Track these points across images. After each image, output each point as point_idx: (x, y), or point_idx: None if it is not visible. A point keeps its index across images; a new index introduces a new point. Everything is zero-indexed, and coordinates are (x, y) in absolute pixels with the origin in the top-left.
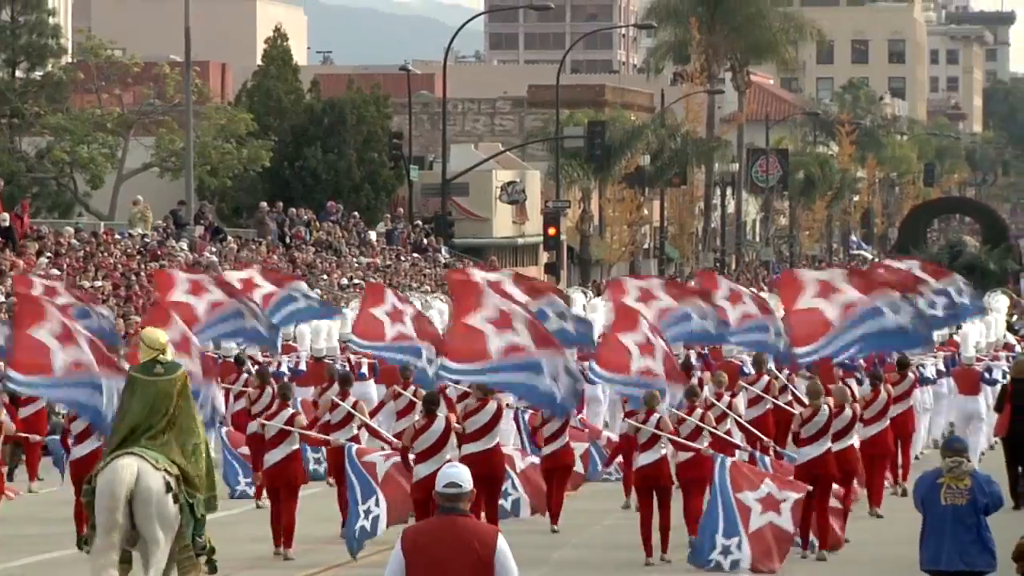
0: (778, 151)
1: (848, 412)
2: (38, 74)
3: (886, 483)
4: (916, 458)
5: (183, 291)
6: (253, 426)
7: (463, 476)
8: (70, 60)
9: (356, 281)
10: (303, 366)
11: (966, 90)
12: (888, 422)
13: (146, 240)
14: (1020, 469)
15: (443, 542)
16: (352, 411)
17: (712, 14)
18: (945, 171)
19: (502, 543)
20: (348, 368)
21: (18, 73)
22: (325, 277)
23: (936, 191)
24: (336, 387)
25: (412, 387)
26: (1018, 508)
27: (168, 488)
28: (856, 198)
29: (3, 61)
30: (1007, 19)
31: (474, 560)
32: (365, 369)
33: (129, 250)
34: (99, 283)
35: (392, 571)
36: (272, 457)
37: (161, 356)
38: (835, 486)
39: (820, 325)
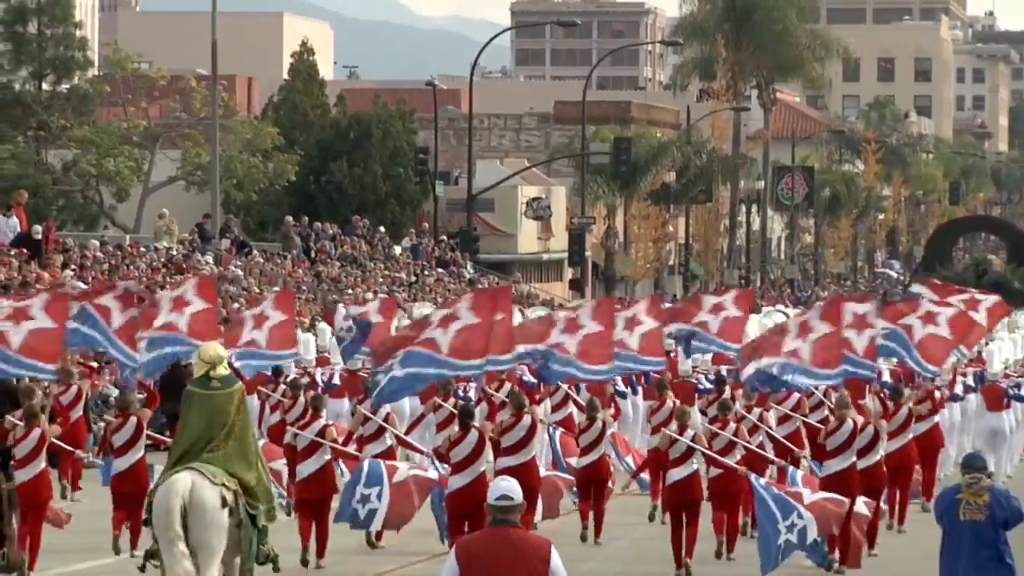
0: (804, 168)
1: (871, 428)
2: (64, 87)
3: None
4: (943, 477)
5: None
6: (288, 436)
7: (515, 489)
8: (97, 73)
9: (381, 295)
10: (336, 379)
11: (992, 109)
12: (910, 437)
13: (171, 253)
14: None
15: (498, 554)
16: (384, 424)
17: (738, 31)
18: (971, 190)
19: (555, 555)
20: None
21: (44, 86)
22: (350, 291)
23: (961, 210)
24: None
25: (452, 400)
26: None
27: (224, 503)
28: (881, 216)
29: (30, 74)
30: None
31: (530, 571)
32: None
33: (154, 263)
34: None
35: None
36: (304, 469)
37: (214, 371)
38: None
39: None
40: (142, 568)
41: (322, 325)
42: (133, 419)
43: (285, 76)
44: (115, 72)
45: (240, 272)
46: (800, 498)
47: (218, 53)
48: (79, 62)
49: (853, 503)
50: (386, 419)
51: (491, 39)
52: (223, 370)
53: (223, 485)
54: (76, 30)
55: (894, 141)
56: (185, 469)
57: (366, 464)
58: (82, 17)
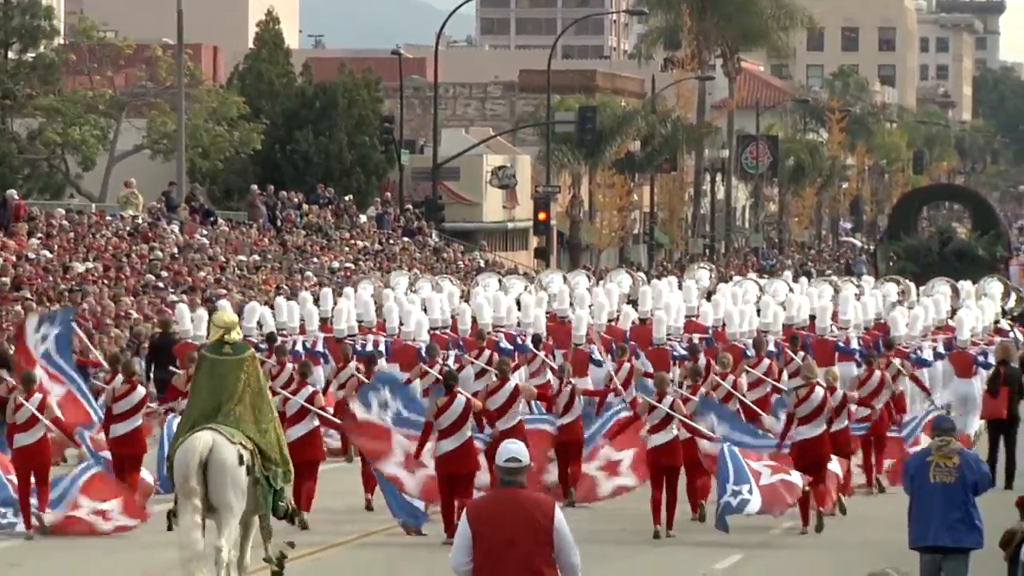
0: (768, 138)
1: (840, 394)
2: (30, 55)
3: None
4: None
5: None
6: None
7: (522, 451)
8: (62, 42)
9: (347, 264)
10: (320, 346)
11: (956, 78)
12: (883, 402)
13: (137, 222)
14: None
15: (506, 513)
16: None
17: (703, 1)
18: (934, 159)
19: (559, 513)
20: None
21: (10, 54)
22: (316, 260)
23: (925, 179)
24: (351, 366)
25: (437, 366)
26: (1008, 487)
27: (241, 460)
28: (845, 185)
29: None
30: (997, 8)
31: (535, 528)
32: (383, 348)
33: (120, 231)
34: (90, 264)
35: (459, 542)
36: (293, 433)
37: (228, 336)
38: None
39: None
40: (169, 527)
41: (303, 294)
42: (140, 388)
43: (250, 45)
44: (81, 41)
45: (206, 241)
46: (759, 477)
47: (183, 22)
48: (44, 31)
49: (825, 467)
50: None
51: (456, 8)
52: (236, 335)
53: (240, 444)
54: None
55: (858, 110)
56: (204, 428)
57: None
58: None
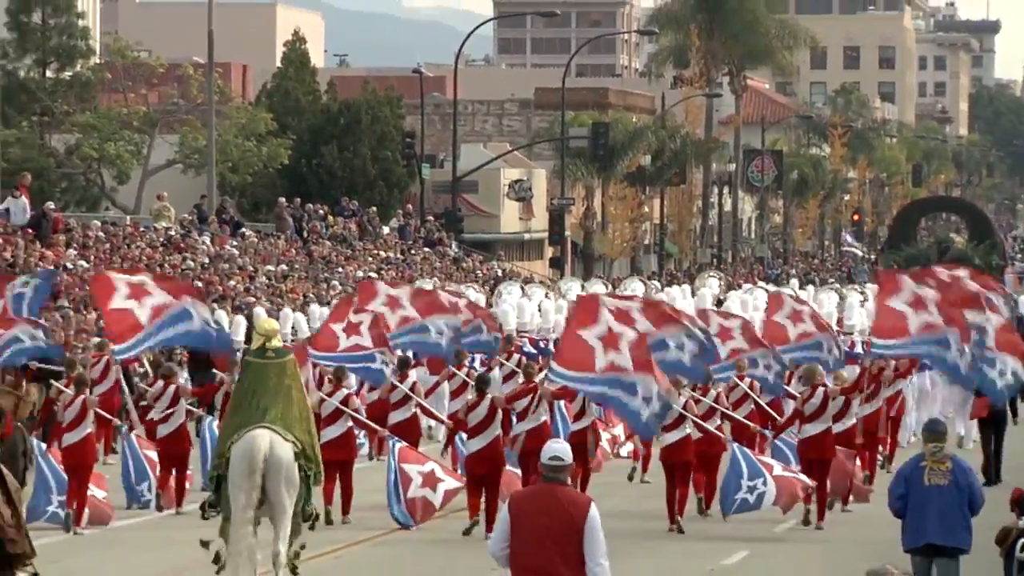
0: (773, 152)
1: (842, 396)
2: (67, 74)
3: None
4: (906, 444)
5: (123, 296)
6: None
7: (566, 451)
8: (98, 61)
9: (370, 273)
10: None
11: (953, 95)
12: (881, 403)
13: (170, 233)
14: (993, 447)
15: (543, 507)
16: (410, 393)
17: (711, 21)
18: (932, 172)
19: (594, 510)
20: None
21: (48, 73)
22: (340, 270)
23: (924, 191)
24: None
25: (465, 369)
26: (988, 483)
27: (296, 457)
28: (847, 197)
29: (34, 61)
30: (992, 27)
31: (568, 523)
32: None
33: (153, 242)
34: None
35: (499, 529)
36: (328, 433)
37: (269, 343)
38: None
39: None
40: (203, 516)
41: (313, 307)
42: (172, 387)
43: (278, 64)
44: (116, 60)
45: (235, 251)
46: (771, 468)
47: (214, 42)
48: (81, 50)
49: (829, 464)
50: (412, 388)
51: (475, 29)
52: (277, 342)
53: (293, 442)
54: (78, 20)
55: (859, 126)
56: (259, 427)
57: (392, 475)
58: (84, 7)
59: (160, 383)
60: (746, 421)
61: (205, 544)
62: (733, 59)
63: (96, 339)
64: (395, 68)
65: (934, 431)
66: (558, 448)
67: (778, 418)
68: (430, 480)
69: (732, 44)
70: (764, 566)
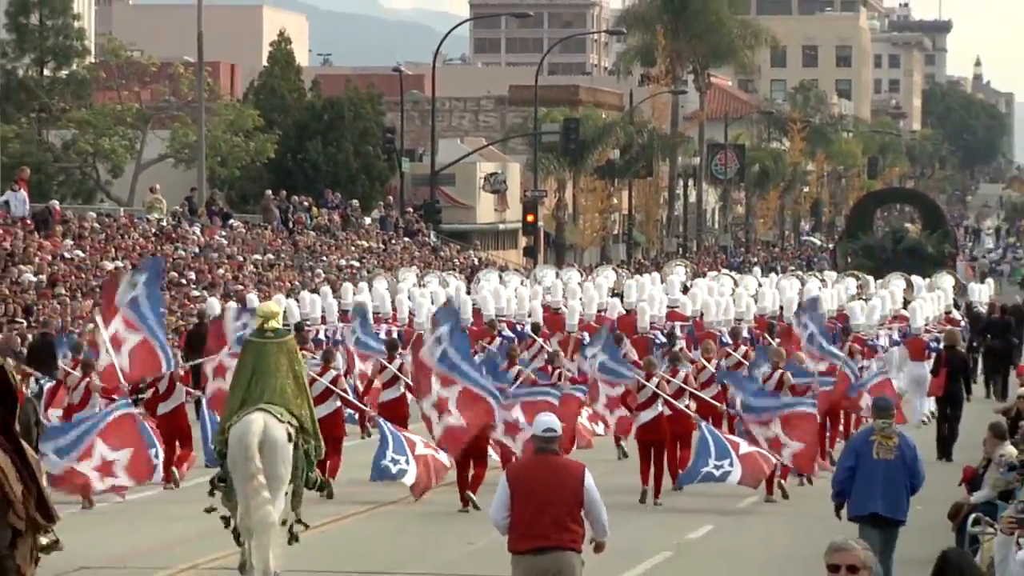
0: (735, 146)
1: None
2: (64, 73)
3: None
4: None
5: (105, 352)
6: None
7: (556, 423)
8: (93, 60)
9: (352, 262)
10: (339, 335)
11: (906, 91)
12: (840, 381)
13: (162, 224)
14: (947, 425)
15: (541, 475)
16: (398, 373)
17: (676, 22)
18: (887, 165)
19: (589, 476)
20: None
21: (46, 72)
22: (324, 259)
23: (879, 183)
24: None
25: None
26: (941, 459)
27: (290, 438)
28: (806, 189)
29: (32, 61)
30: (944, 27)
31: (566, 489)
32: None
33: (146, 233)
34: (119, 263)
35: (499, 499)
36: (317, 413)
37: (267, 324)
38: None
39: None
40: (211, 492)
41: (303, 293)
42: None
43: (264, 63)
44: (110, 59)
45: (224, 241)
46: (737, 448)
47: (203, 42)
48: (77, 50)
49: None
50: (400, 368)
51: (452, 29)
52: (276, 323)
53: (288, 423)
54: (74, 21)
55: (817, 121)
56: (256, 410)
57: (389, 438)
58: (80, 9)
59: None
60: (713, 401)
61: (210, 510)
62: (697, 58)
63: (90, 325)
64: (376, 67)
65: (883, 408)
66: (549, 420)
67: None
68: (429, 447)
69: (696, 43)
70: (729, 540)
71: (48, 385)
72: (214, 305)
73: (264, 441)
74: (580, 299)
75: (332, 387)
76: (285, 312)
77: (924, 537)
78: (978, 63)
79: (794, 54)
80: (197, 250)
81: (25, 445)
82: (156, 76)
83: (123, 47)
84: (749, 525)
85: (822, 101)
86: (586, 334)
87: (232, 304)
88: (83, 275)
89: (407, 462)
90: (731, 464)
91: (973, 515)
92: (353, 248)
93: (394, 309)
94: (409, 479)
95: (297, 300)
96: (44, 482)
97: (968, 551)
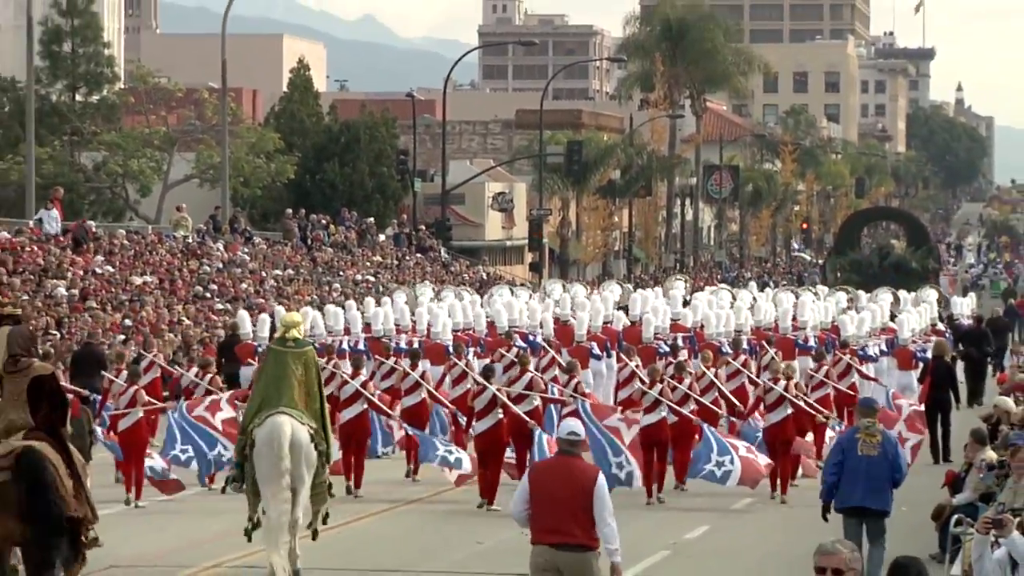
0: (730, 167)
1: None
2: (95, 98)
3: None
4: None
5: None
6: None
7: (580, 427)
8: (122, 86)
9: (368, 277)
10: (361, 345)
11: (892, 115)
12: (830, 391)
13: (188, 241)
14: (940, 430)
15: (559, 475)
16: (420, 380)
17: (674, 50)
18: (873, 185)
19: (601, 478)
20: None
21: (78, 97)
22: (341, 274)
23: (866, 202)
24: (390, 361)
25: (464, 360)
26: (937, 462)
27: (312, 439)
28: (797, 208)
29: (65, 86)
30: (928, 54)
31: (579, 489)
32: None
33: (173, 249)
34: (147, 278)
35: (520, 494)
36: (346, 414)
37: (289, 333)
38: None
39: None
40: (223, 491)
41: (328, 306)
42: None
43: (285, 89)
44: (138, 85)
45: (247, 257)
46: (737, 449)
47: (227, 69)
48: (107, 77)
49: (791, 445)
50: (422, 376)
51: (461, 57)
52: (297, 333)
53: (308, 425)
54: (105, 49)
55: (807, 143)
56: (279, 413)
57: (427, 438)
58: (110, 38)
59: (195, 370)
60: (712, 407)
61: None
62: (694, 84)
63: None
64: (390, 93)
65: (868, 408)
66: (573, 425)
67: (740, 405)
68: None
69: (693, 70)
70: (725, 540)
71: (98, 399)
72: (244, 318)
73: (293, 443)
74: (588, 311)
75: (362, 390)
76: (312, 324)
77: (909, 537)
78: (960, 88)
79: (785, 80)
80: (220, 265)
81: (72, 448)
82: (182, 101)
83: (151, 74)
84: (745, 525)
85: (812, 124)
86: (594, 344)
87: (264, 316)
88: (113, 289)
89: (460, 452)
90: (732, 462)
91: (955, 516)
92: (368, 264)
93: (413, 322)
94: (466, 467)
95: (322, 312)
96: (88, 484)
97: (918, 557)
